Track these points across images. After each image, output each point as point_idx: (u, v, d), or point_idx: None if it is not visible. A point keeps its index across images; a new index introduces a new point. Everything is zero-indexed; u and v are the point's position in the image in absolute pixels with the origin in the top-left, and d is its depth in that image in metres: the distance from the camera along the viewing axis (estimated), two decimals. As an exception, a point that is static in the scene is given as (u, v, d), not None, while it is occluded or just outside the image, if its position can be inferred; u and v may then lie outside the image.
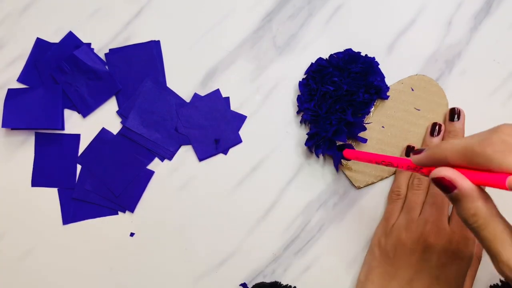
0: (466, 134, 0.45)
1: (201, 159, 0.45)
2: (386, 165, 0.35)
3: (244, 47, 0.46)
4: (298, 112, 0.45)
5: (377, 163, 0.35)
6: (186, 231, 0.45)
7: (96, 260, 0.45)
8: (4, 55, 0.46)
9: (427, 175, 0.30)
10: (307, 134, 0.44)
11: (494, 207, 0.27)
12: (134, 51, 0.46)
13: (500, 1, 0.46)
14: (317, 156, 0.45)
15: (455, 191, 0.27)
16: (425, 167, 0.30)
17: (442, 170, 0.28)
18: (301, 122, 0.45)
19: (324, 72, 0.44)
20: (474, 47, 0.46)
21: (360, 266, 0.44)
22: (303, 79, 0.45)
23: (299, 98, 0.45)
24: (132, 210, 0.45)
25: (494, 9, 0.46)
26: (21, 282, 0.45)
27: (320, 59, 0.45)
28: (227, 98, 0.46)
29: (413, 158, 0.31)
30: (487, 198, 0.27)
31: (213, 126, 0.45)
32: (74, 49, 0.46)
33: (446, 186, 0.27)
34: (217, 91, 0.46)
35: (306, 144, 0.44)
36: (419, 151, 0.30)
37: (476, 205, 0.27)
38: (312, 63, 0.45)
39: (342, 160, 0.44)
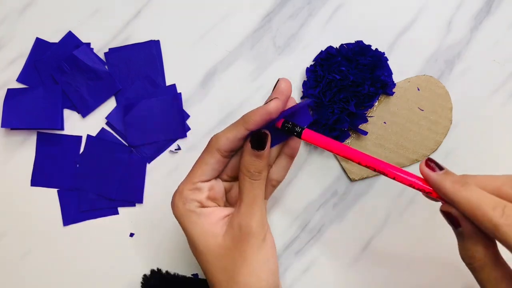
0: (465, 135, 0.45)
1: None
2: (366, 166, 0.32)
3: (244, 47, 0.46)
4: (302, 98, 0.45)
5: (358, 162, 0.32)
6: (186, 231, 0.45)
7: (96, 260, 0.45)
8: (4, 55, 0.46)
9: (430, 193, 0.30)
10: None
11: (494, 253, 0.28)
12: (133, 50, 0.46)
13: (500, 1, 0.46)
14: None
15: (459, 228, 0.28)
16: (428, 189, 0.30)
17: (449, 206, 0.29)
18: None
19: (332, 61, 0.44)
20: (474, 47, 0.46)
21: (360, 266, 0.44)
22: (311, 65, 0.45)
23: (304, 84, 0.45)
24: (141, 201, 0.45)
25: (494, 9, 0.46)
26: (21, 282, 0.45)
27: (330, 47, 0.45)
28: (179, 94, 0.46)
29: (426, 171, 0.30)
30: (489, 244, 0.28)
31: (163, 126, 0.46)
32: (74, 49, 0.46)
33: (453, 221, 0.29)
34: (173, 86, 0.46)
35: None
36: (435, 167, 0.30)
37: (476, 249, 0.28)
38: (322, 51, 0.45)
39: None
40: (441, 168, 0.30)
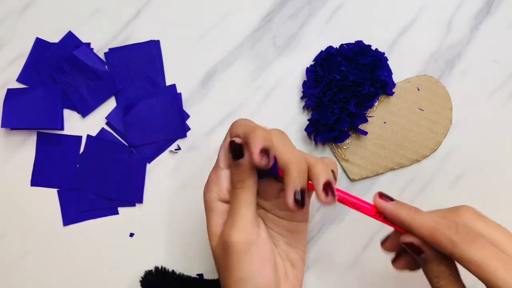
0: (465, 135, 0.45)
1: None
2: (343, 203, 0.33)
3: (244, 47, 0.46)
4: (302, 98, 0.45)
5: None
6: (186, 231, 0.45)
7: (96, 260, 0.45)
8: (4, 55, 0.46)
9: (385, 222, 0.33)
10: (308, 120, 0.44)
11: (455, 271, 0.30)
12: (133, 50, 0.46)
13: (500, 1, 0.46)
14: (316, 143, 0.45)
15: (423, 255, 0.30)
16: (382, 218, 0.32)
17: (409, 237, 0.31)
18: (304, 108, 0.45)
19: (332, 61, 0.44)
20: (474, 47, 0.46)
21: (360, 266, 0.44)
22: (311, 65, 0.45)
23: (304, 84, 0.45)
24: (141, 201, 0.45)
25: (494, 9, 0.46)
26: (21, 282, 0.45)
27: (330, 47, 0.45)
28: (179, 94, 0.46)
29: (380, 203, 0.33)
30: (449, 263, 0.30)
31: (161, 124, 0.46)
32: (74, 49, 0.46)
33: (415, 250, 0.31)
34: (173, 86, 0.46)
35: (306, 130, 0.44)
36: (387, 198, 0.33)
37: (440, 269, 0.30)
38: (322, 51, 0.45)
39: (339, 150, 0.44)
40: (392, 199, 0.33)
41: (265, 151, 0.30)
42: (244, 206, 0.32)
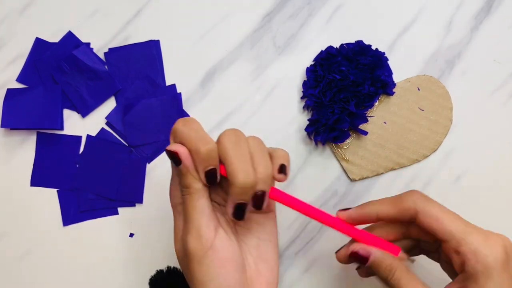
0: (465, 135, 0.45)
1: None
2: (309, 216, 0.34)
3: (244, 47, 0.46)
4: (302, 98, 0.45)
5: (299, 211, 0.34)
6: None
7: (96, 260, 0.45)
8: (3, 55, 0.46)
9: (354, 238, 0.34)
10: (308, 120, 0.44)
11: (402, 264, 0.33)
12: (133, 50, 0.46)
13: (500, 1, 0.46)
14: (316, 143, 0.45)
15: (371, 258, 0.33)
16: (353, 233, 0.34)
17: (355, 245, 0.33)
18: (304, 108, 0.45)
19: (332, 61, 0.44)
20: (474, 47, 0.46)
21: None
22: (311, 65, 0.45)
23: (304, 84, 0.45)
24: (141, 201, 0.45)
25: (495, 9, 0.46)
26: (21, 282, 0.45)
27: (330, 47, 0.45)
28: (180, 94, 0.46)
29: (342, 214, 0.34)
30: (394, 259, 0.33)
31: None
32: (74, 49, 0.46)
33: (361, 258, 0.33)
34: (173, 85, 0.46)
35: (306, 130, 0.44)
36: (346, 209, 0.35)
37: (389, 262, 0.32)
38: (322, 51, 0.45)
39: (339, 150, 0.44)
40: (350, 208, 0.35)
41: (211, 171, 0.30)
42: (195, 212, 0.31)
